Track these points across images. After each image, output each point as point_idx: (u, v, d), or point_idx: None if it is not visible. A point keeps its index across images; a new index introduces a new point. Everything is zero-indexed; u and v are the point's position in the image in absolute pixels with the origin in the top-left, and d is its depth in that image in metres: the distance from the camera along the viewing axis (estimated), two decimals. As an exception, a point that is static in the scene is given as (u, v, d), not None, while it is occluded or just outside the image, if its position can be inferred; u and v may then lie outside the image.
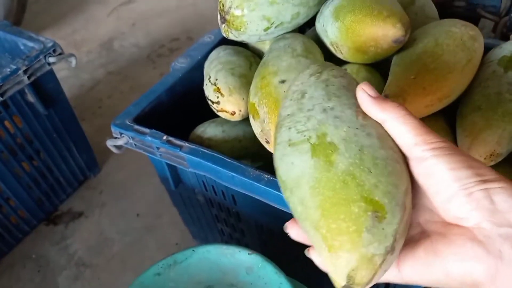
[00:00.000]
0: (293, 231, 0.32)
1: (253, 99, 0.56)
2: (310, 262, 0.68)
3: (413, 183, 0.28)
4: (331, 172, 0.28)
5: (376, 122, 0.31)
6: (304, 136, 0.31)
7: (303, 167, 0.30)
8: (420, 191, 0.28)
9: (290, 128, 0.32)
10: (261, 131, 0.55)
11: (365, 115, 0.31)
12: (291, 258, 0.68)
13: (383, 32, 0.48)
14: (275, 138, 0.34)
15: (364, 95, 0.29)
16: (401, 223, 0.27)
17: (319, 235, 0.27)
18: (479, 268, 0.23)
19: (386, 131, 0.30)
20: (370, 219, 0.26)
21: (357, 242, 0.26)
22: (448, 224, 0.26)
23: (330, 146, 0.29)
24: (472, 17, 0.87)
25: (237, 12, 0.59)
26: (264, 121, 0.54)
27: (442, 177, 0.25)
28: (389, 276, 0.27)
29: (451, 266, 0.24)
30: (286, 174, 0.31)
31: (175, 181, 0.67)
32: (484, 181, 0.24)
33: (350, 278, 0.26)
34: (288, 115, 0.34)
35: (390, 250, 0.26)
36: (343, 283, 0.26)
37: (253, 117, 0.56)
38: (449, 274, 0.25)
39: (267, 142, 0.54)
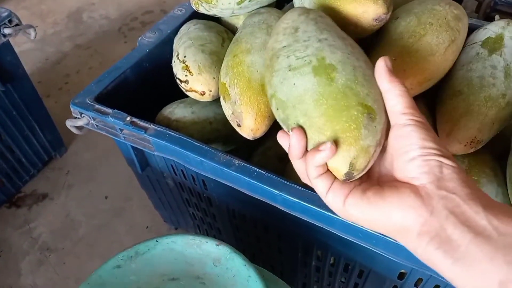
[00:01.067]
0: (284, 139, 0.36)
1: (223, 78, 0.52)
2: (282, 248, 0.66)
3: (384, 147, 0.34)
4: (333, 86, 0.35)
5: (360, 51, 0.39)
6: (305, 61, 0.37)
7: (305, 85, 0.36)
8: (387, 154, 0.34)
9: (288, 56, 0.38)
10: (232, 113, 0.51)
11: (352, 44, 0.38)
12: (264, 243, 0.66)
13: (364, 9, 0.45)
14: (271, 67, 0.39)
15: (382, 64, 0.34)
16: (385, 123, 0.34)
17: (323, 136, 0.34)
18: (412, 215, 0.29)
19: (367, 58, 0.38)
20: (366, 119, 0.34)
21: (357, 137, 0.33)
22: (399, 181, 0.32)
23: (330, 66, 0.36)
24: (454, -4, 0.84)
25: (208, -17, 0.54)
26: (235, 102, 0.50)
27: (412, 142, 0.31)
28: (335, 207, 0.33)
29: (391, 209, 0.30)
30: (287, 95, 0.37)
31: (141, 164, 0.64)
32: (441, 156, 0.30)
33: (351, 165, 0.33)
34: (284, 46, 0.39)
35: (379, 143, 0.34)
36: (346, 170, 0.33)
37: (224, 98, 0.52)
38: (387, 215, 0.30)
39: (239, 125, 0.51)
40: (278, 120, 0.40)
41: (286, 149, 0.36)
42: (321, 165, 0.33)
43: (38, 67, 1.25)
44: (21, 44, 1.30)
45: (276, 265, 0.71)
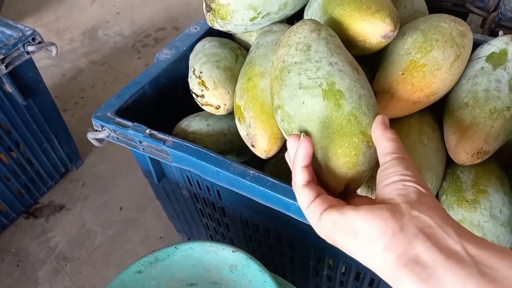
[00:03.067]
0: (294, 141, 0.38)
1: (239, 101, 0.55)
2: (294, 257, 0.67)
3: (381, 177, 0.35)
4: (339, 112, 0.38)
5: (364, 77, 0.42)
6: (316, 82, 0.39)
7: (314, 106, 0.39)
8: (385, 180, 0.34)
9: (300, 74, 0.40)
10: (247, 134, 0.54)
11: (358, 71, 0.41)
12: (276, 252, 0.68)
13: (372, 27, 0.47)
14: (280, 79, 0.42)
15: (381, 120, 0.37)
16: (375, 151, 0.38)
17: (324, 155, 0.38)
18: (381, 225, 0.29)
19: (369, 85, 0.42)
20: (365, 147, 0.38)
21: (355, 162, 0.38)
22: (376, 200, 0.33)
23: (339, 93, 0.39)
24: (460, 12, 0.87)
25: (223, 1, 0.57)
26: (250, 125, 0.53)
27: (395, 170, 0.33)
28: (312, 220, 0.34)
29: (361, 219, 0.30)
30: (295, 111, 0.40)
31: (158, 175, 0.66)
32: (421, 186, 0.32)
33: (347, 186, 0.38)
34: (296, 62, 0.41)
35: (372, 168, 0.39)
36: (341, 189, 0.38)
37: (239, 120, 0.55)
38: (356, 225, 0.30)
39: (253, 146, 0.54)
40: (281, 129, 0.44)
41: (292, 152, 0.38)
42: (305, 168, 0.36)
43: (55, 82, 1.29)
44: (39, 60, 1.34)
45: (288, 274, 0.72)
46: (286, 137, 0.42)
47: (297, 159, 0.36)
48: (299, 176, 0.36)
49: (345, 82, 0.39)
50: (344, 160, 0.37)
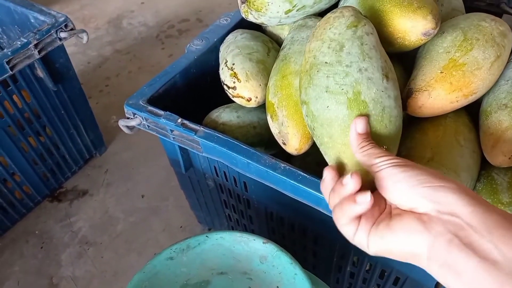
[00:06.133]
0: (332, 173, 0.39)
1: (272, 98, 0.55)
2: (318, 252, 0.67)
3: (383, 188, 0.34)
4: None
5: (395, 83, 0.42)
6: (342, 89, 0.40)
7: (337, 113, 0.40)
8: (388, 191, 0.34)
9: (328, 77, 0.41)
10: (279, 132, 0.54)
11: (388, 77, 0.41)
12: (299, 247, 0.68)
13: (413, 24, 0.47)
14: (309, 76, 0.43)
15: (354, 137, 0.38)
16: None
17: (340, 160, 0.40)
18: (417, 240, 0.30)
19: (398, 92, 0.43)
20: None
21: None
22: (404, 210, 0.33)
23: (363, 103, 0.39)
24: (493, 12, 0.85)
25: (259, -7, 0.57)
26: (282, 124, 0.53)
27: (410, 175, 0.32)
28: (362, 247, 0.34)
29: (398, 238, 0.31)
30: (319, 112, 0.41)
31: (186, 164, 0.67)
32: (436, 179, 0.31)
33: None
34: (326, 62, 0.41)
35: None
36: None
37: (271, 117, 0.55)
38: (397, 244, 0.31)
39: (284, 144, 0.54)
40: (305, 121, 0.46)
41: (328, 184, 0.38)
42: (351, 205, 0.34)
43: (81, 69, 1.31)
44: (66, 47, 1.36)
45: (309, 268, 0.72)
46: (310, 131, 0.45)
47: (347, 200, 0.35)
48: (342, 217, 0.35)
49: (371, 92, 0.39)
50: (362, 168, 0.38)
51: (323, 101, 0.41)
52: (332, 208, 0.37)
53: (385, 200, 0.35)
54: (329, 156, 0.42)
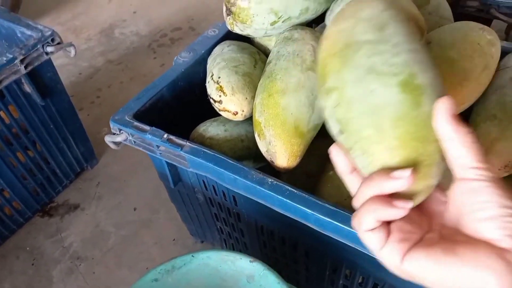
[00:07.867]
0: (338, 155, 0.33)
1: (258, 117, 0.55)
2: (310, 265, 0.66)
3: (459, 202, 0.29)
4: (417, 111, 0.30)
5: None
6: (392, 70, 0.32)
7: (386, 98, 0.31)
8: (450, 206, 0.30)
9: (370, 56, 0.32)
10: (267, 151, 0.54)
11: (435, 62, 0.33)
12: (291, 260, 0.67)
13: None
14: (343, 57, 0.33)
15: (444, 108, 0.29)
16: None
17: (390, 160, 0.30)
18: (493, 279, 0.25)
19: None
20: (439, 157, 0.30)
21: (428, 174, 0.30)
22: (472, 238, 0.27)
23: (419, 88, 0.31)
24: (484, 18, 0.84)
25: (244, 4, 0.57)
26: (270, 143, 0.53)
27: (488, 199, 0.26)
28: (390, 263, 0.29)
29: (465, 268, 0.26)
30: (359, 97, 0.32)
31: (174, 179, 0.66)
32: None
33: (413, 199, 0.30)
34: (368, 40, 0.33)
35: (438, 182, 0.31)
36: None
37: (259, 136, 0.55)
38: (459, 275, 0.26)
39: (272, 162, 0.54)
40: (326, 116, 0.35)
41: (339, 165, 0.33)
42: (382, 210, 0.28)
43: (72, 81, 1.30)
44: (56, 59, 1.35)
45: (302, 282, 0.71)
46: (332, 133, 0.35)
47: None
48: (367, 217, 0.29)
49: (427, 76, 0.31)
50: (417, 169, 0.30)
51: (366, 84, 0.32)
52: (356, 205, 0.30)
53: (426, 218, 0.30)
54: (373, 155, 0.32)
